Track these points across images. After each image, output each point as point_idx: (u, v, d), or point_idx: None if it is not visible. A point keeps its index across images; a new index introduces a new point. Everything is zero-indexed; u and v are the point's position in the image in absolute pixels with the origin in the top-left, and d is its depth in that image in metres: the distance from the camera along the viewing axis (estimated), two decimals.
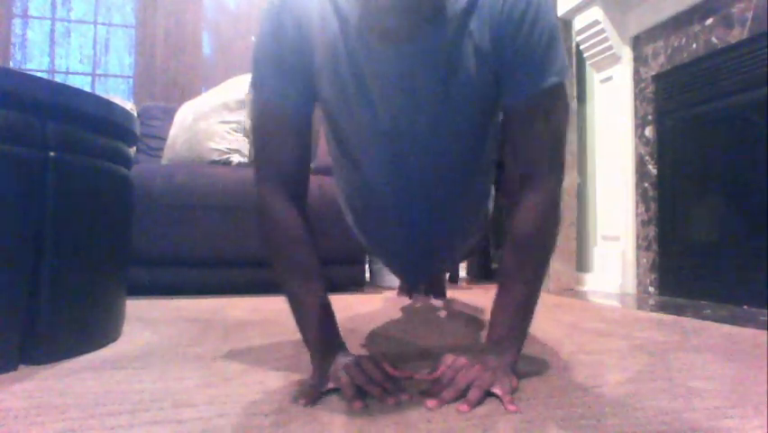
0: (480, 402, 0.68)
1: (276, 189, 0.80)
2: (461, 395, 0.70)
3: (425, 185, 0.89)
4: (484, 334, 1.22)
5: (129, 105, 2.92)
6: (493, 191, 1.10)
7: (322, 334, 0.79)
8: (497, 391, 0.70)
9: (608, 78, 2.47)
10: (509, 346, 0.78)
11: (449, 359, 0.76)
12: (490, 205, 1.11)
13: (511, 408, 0.66)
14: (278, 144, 0.80)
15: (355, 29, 0.74)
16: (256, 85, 0.81)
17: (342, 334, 0.82)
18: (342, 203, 1.06)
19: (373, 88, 0.78)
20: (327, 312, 0.81)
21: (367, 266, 2.52)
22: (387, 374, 0.74)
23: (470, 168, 0.92)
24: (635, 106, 2.36)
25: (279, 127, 0.80)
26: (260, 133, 0.83)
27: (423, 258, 1.04)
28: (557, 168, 0.80)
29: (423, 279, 1.14)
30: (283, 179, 0.81)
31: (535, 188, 0.79)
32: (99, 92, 3.55)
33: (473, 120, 0.83)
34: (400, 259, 1.08)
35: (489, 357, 0.75)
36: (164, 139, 2.60)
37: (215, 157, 2.34)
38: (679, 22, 2.12)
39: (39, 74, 3.35)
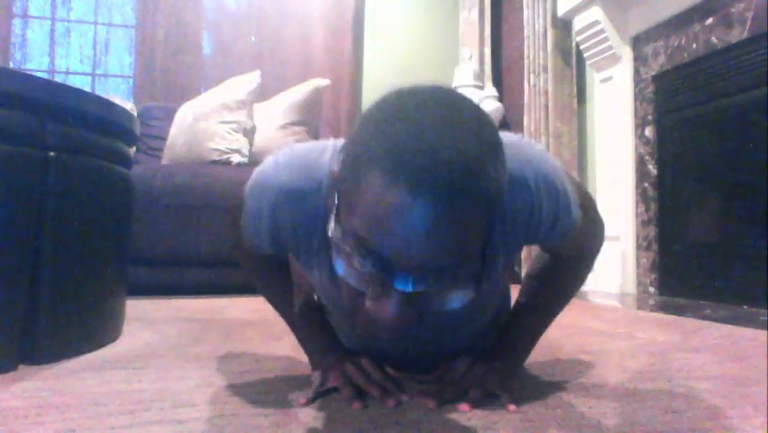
0: (480, 402, 0.68)
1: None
2: (462, 395, 0.70)
3: (426, 348, 0.81)
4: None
5: (129, 105, 2.92)
6: None
7: (316, 336, 0.80)
8: (497, 391, 0.70)
9: (608, 78, 2.47)
10: (515, 353, 0.78)
11: (450, 359, 0.76)
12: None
13: (511, 408, 0.66)
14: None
15: None
16: (240, 213, 0.72)
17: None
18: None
19: None
20: (317, 314, 0.81)
21: None
22: (386, 374, 0.74)
23: (480, 326, 0.84)
24: (635, 106, 2.36)
25: (256, 251, 0.76)
26: (238, 234, 0.76)
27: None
28: (597, 238, 0.79)
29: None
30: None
31: (576, 256, 0.78)
32: (99, 92, 3.55)
33: (486, 308, 0.79)
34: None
35: (491, 358, 0.75)
36: (164, 139, 2.60)
37: (215, 157, 2.34)
38: (679, 22, 2.12)
39: (39, 74, 3.35)
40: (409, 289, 0.46)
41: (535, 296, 0.79)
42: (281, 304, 0.84)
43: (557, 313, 0.81)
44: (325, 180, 0.63)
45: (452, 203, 0.43)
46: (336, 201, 0.50)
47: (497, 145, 0.47)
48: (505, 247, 0.65)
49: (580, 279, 0.82)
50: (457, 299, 0.51)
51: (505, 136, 0.59)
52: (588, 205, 0.72)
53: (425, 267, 0.45)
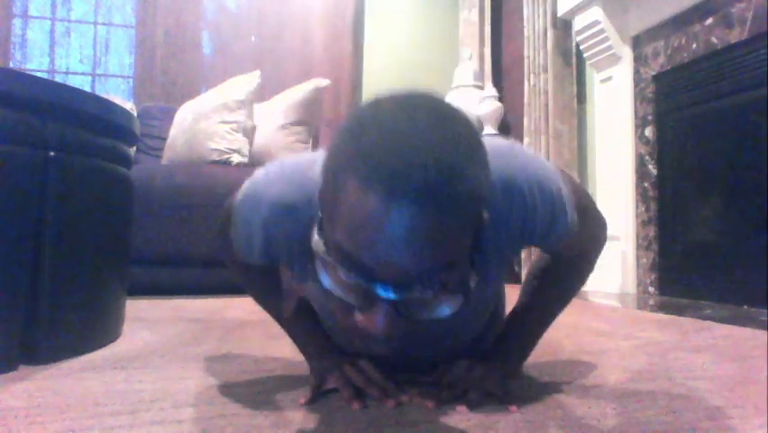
0: (478, 404, 0.68)
1: None
2: (462, 396, 0.69)
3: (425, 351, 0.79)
4: None
5: (129, 105, 2.92)
6: None
7: (313, 338, 0.80)
8: (496, 392, 0.70)
9: (608, 78, 2.47)
10: (515, 354, 0.78)
11: (447, 361, 0.76)
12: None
13: (511, 408, 0.66)
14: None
15: None
16: (229, 223, 0.71)
17: None
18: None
19: None
20: (312, 316, 0.81)
21: None
22: (386, 375, 0.74)
23: (476, 329, 0.82)
24: (635, 106, 2.36)
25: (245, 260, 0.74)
26: (226, 244, 0.74)
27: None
28: (599, 239, 0.78)
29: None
30: None
31: (577, 256, 0.77)
32: (99, 92, 3.54)
33: (480, 313, 0.77)
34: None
35: (491, 360, 0.75)
36: (164, 139, 2.60)
37: (215, 157, 2.34)
38: (679, 22, 2.12)
39: (39, 74, 3.35)
40: (392, 297, 0.45)
41: (536, 296, 0.79)
42: (274, 308, 0.84)
43: (557, 313, 0.80)
44: (316, 193, 0.63)
45: (428, 206, 0.42)
46: (320, 213, 0.50)
47: (476, 148, 0.46)
48: (498, 253, 0.65)
49: (582, 279, 0.81)
50: (446, 306, 0.49)
51: (498, 142, 0.58)
52: (587, 205, 0.72)
53: (408, 274, 0.45)
